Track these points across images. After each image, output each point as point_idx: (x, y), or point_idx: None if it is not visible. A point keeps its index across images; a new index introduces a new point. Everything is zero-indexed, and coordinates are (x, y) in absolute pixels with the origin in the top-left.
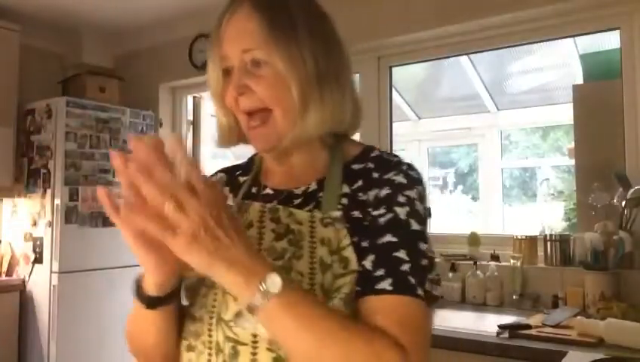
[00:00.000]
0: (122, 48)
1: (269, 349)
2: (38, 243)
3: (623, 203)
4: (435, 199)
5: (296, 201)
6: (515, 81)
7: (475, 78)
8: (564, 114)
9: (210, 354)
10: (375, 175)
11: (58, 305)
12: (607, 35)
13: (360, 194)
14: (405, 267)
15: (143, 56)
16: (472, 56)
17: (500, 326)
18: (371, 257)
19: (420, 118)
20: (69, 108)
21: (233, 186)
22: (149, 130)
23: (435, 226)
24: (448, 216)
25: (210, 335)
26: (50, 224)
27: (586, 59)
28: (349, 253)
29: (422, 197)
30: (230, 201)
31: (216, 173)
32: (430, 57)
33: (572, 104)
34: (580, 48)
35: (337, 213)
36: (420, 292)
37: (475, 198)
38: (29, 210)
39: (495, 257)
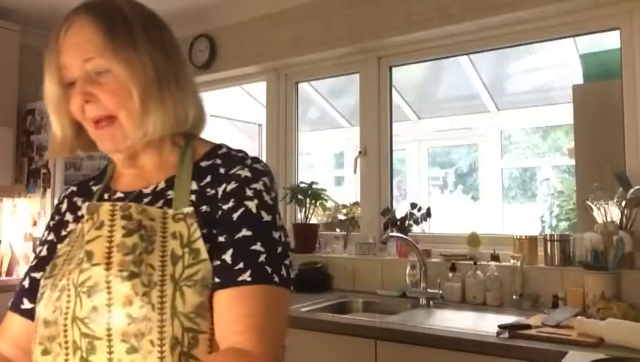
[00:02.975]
0: None
1: (123, 341)
2: (38, 243)
3: (623, 203)
4: (435, 199)
5: (146, 200)
6: (515, 81)
7: (475, 78)
8: (564, 114)
9: (67, 354)
10: (222, 170)
11: None
12: (607, 35)
13: (208, 189)
14: (262, 258)
15: None
16: (472, 56)
17: (500, 326)
18: (230, 251)
19: (419, 118)
20: None
21: (87, 196)
22: None
23: (435, 226)
24: (448, 216)
25: (65, 335)
26: None
27: (586, 59)
28: (200, 245)
29: (268, 188)
30: (83, 210)
31: (68, 187)
32: (430, 57)
33: (572, 104)
34: (580, 48)
35: (189, 209)
36: (276, 279)
37: (475, 198)
38: (29, 210)
39: (495, 257)
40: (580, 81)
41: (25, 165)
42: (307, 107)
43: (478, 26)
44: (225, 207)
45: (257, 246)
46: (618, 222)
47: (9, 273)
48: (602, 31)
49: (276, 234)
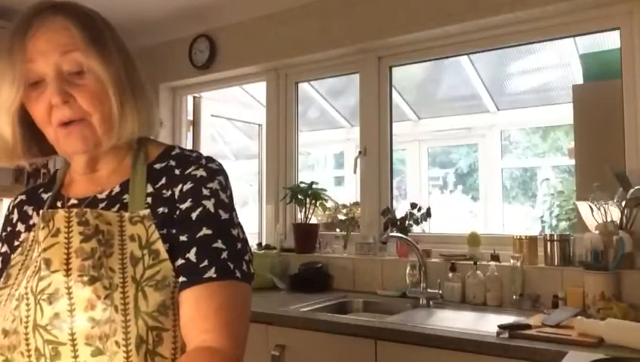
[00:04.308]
0: None
1: (87, 344)
2: None
3: (623, 203)
4: (435, 199)
5: (101, 205)
6: (515, 81)
7: (475, 78)
8: (564, 114)
9: None
10: (177, 171)
11: None
12: (607, 35)
13: (164, 191)
14: (224, 255)
15: (142, 56)
16: (472, 56)
17: (499, 326)
18: (194, 250)
19: (419, 118)
20: None
21: (37, 205)
22: None
23: (435, 226)
24: (448, 216)
25: (27, 344)
26: None
27: (586, 59)
28: (159, 246)
29: (224, 187)
30: (35, 219)
31: (17, 196)
32: (430, 57)
33: (572, 104)
34: (580, 48)
35: (145, 211)
36: (238, 274)
37: (475, 198)
38: None
39: (495, 257)
40: (580, 81)
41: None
42: (307, 107)
43: (478, 26)
44: (182, 206)
45: (219, 244)
46: (618, 222)
47: None
48: (602, 31)
49: (234, 232)
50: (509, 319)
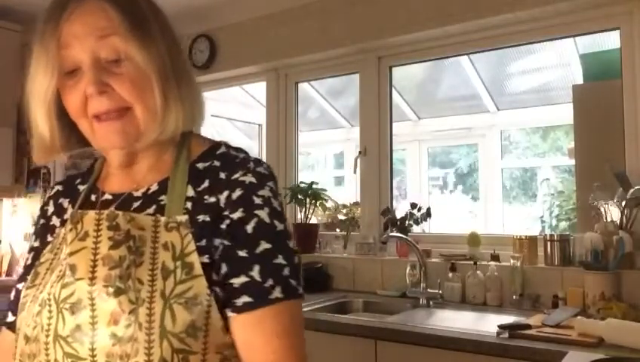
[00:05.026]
0: None
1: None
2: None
3: (623, 203)
4: (435, 199)
5: (135, 204)
6: (515, 81)
7: (475, 78)
8: (564, 114)
9: None
10: (222, 175)
11: None
12: (607, 35)
13: (206, 196)
14: (286, 271)
15: None
16: (472, 56)
17: (499, 326)
18: (257, 268)
19: (419, 118)
20: None
21: (73, 197)
22: None
23: (435, 226)
24: (448, 216)
25: (47, 354)
26: None
27: (586, 59)
28: (194, 259)
29: (275, 193)
30: (70, 213)
31: (53, 185)
32: (430, 57)
33: (572, 104)
34: (580, 48)
35: (183, 218)
36: (300, 291)
37: (475, 198)
38: (29, 210)
39: (495, 257)
40: (580, 81)
41: (25, 165)
42: (307, 107)
43: (478, 26)
44: (234, 216)
45: (280, 260)
46: (618, 222)
47: (9, 273)
48: (602, 31)
49: (290, 243)
50: (509, 319)
